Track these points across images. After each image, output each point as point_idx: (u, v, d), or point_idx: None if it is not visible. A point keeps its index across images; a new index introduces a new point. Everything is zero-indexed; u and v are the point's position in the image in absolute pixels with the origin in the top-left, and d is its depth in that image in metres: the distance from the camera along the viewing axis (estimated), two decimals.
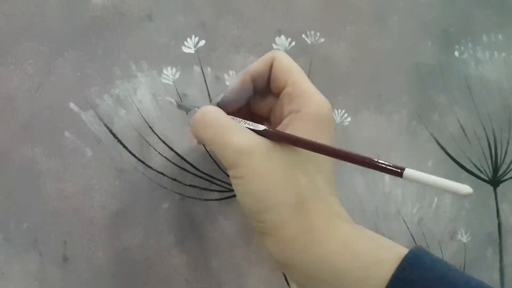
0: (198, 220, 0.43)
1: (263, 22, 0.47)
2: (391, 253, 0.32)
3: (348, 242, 0.33)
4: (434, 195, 0.54)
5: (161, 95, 0.42)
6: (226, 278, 0.44)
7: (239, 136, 0.34)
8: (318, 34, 0.49)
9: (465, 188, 0.28)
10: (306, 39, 0.49)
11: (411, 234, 0.52)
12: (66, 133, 0.39)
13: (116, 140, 0.41)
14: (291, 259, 0.33)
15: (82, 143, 0.39)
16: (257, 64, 0.38)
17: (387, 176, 0.52)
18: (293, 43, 0.48)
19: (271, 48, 0.47)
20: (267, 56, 0.38)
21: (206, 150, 0.44)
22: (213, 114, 0.35)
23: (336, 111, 0.50)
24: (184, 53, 0.43)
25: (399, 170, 0.30)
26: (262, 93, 0.39)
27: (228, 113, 0.36)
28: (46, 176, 0.38)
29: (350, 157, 0.32)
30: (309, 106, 0.36)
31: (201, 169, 0.43)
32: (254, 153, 0.33)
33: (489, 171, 0.57)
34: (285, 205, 0.33)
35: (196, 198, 0.43)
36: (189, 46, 0.44)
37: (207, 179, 0.44)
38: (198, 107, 0.37)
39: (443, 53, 0.56)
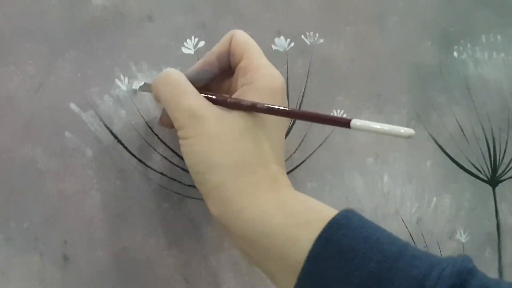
0: (198, 220, 0.43)
1: (262, 22, 0.47)
2: (322, 214, 0.33)
3: (281, 204, 0.34)
4: (433, 195, 0.54)
5: None
6: (226, 278, 0.44)
7: (193, 100, 0.36)
8: (317, 34, 0.49)
9: (405, 131, 0.30)
10: (305, 39, 0.49)
11: (409, 234, 0.52)
12: (67, 133, 0.39)
13: (116, 140, 0.41)
14: (229, 221, 0.35)
15: (82, 143, 0.40)
16: (219, 44, 0.40)
17: (386, 176, 0.52)
18: (293, 44, 0.48)
19: (270, 49, 0.47)
20: (228, 35, 0.39)
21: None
22: (175, 76, 0.37)
23: (335, 111, 0.50)
24: (184, 54, 0.43)
25: (347, 121, 0.32)
26: (223, 75, 0.41)
27: None
28: (46, 176, 0.38)
29: (298, 115, 0.36)
30: (262, 79, 0.37)
31: None
32: (204, 117, 0.35)
33: (487, 171, 0.57)
34: (224, 165, 0.35)
35: (195, 198, 0.43)
36: (189, 47, 0.44)
37: None
38: None
39: (442, 54, 0.56)
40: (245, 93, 0.37)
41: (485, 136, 0.57)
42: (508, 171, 0.58)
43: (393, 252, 0.31)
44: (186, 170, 0.43)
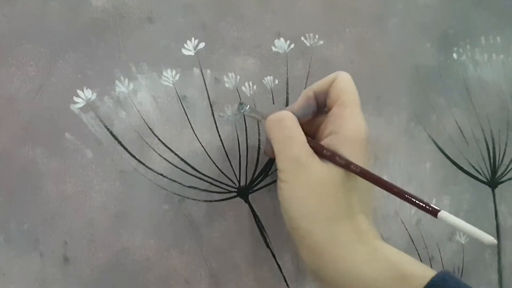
0: (198, 221, 0.43)
1: (263, 24, 0.47)
2: (418, 270, 0.34)
3: (375, 256, 0.35)
4: (433, 196, 0.54)
5: (161, 97, 0.42)
6: (226, 279, 0.44)
7: (300, 148, 0.38)
8: (317, 36, 0.49)
9: (488, 238, 0.32)
10: (305, 41, 0.49)
11: (409, 235, 0.52)
12: (67, 135, 0.39)
13: (116, 141, 0.41)
14: (321, 269, 0.36)
15: (82, 145, 0.40)
16: (320, 82, 0.41)
17: (385, 177, 0.52)
18: (292, 46, 0.48)
19: (270, 51, 0.47)
20: (332, 75, 0.40)
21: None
22: (289, 122, 0.39)
23: None
24: (184, 55, 0.43)
25: (435, 211, 0.34)
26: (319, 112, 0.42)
27: None
28: (46, 177, 0.38)
29: (390, 188, 0.37)
30: (348, 129, 0.38)
31: (200, 171, 0.44)
32: (308, 167, 0.37)
33: (487, 173, 0.57)
34: (318, 214, 0.36)
35: (195, 200, 0.43)
36: (189, 48, 0.44)
37: (206, 181, 0.44)
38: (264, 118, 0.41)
39: (442, 55, 0.56)
40: (331, 142, 0.38)
41: (485, 137, 0.57)
42: (507, 172, 0.58)
43: None
44: (186, 171, 0.43)
